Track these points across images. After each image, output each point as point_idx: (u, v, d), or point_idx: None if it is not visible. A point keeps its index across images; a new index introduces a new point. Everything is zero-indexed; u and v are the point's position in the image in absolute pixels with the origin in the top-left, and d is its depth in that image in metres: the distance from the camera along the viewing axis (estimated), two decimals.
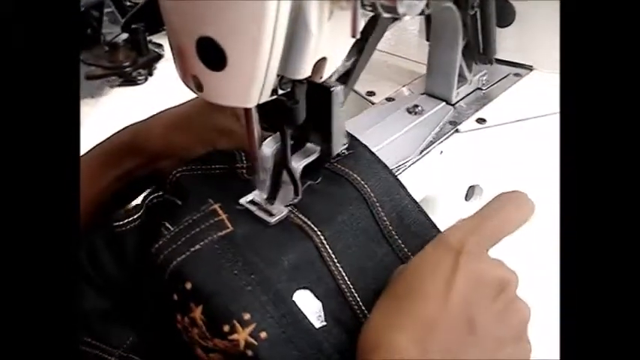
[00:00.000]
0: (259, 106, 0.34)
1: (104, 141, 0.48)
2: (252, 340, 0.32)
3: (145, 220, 0.40)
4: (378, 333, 0.32)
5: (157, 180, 0.48)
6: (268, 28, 0.28)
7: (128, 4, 1.08)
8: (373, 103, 0.71)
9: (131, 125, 0.49)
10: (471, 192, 0.68)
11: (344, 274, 0.37)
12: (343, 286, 0.36)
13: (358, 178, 0.40)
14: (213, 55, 0.30)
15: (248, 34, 0.29)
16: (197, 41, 0.30)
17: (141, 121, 0.49)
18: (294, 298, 0.35)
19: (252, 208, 0.38)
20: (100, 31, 1.01)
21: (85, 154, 0.47)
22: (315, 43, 0.31)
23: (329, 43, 0.32)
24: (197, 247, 0.35)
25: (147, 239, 0.38)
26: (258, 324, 0.32)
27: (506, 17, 0.73)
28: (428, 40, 0.68)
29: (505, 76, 0.75)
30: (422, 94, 0.70)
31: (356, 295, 0.36)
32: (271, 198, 0.39)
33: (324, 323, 0.35)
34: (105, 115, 0.85)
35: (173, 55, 0.34)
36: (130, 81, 0.93)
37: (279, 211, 0.38)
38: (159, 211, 0.40)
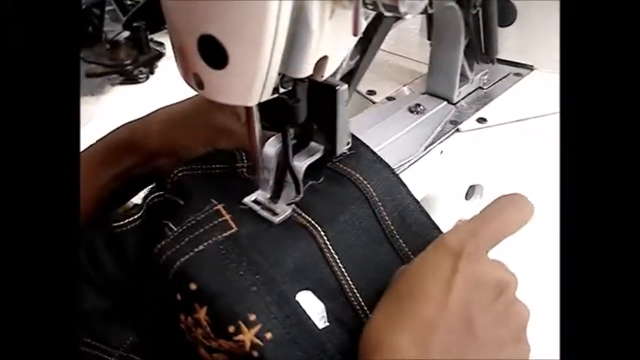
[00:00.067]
0: (260, 105, 0.34)
1: (101, 139, 0.48)
2: (257, 340, 0.32)
3: (145, 219, 0.40)
4: (380, 333, 0.32)
5: (156, 178, 0.47)
6: (270, 26, 0.28)
7: (129, 2, 1.08)
8: (374, 102, 0.71)
9: (129, 123, 0.48)
10: (471, 191, 0.68)
11: (346, 274, 0.37)
12: (345, 286, 0.36)
13: (360, 178, 0.40)
14: (214, 53, 0.30)
15: (250, 33, 0.29)
16: (198, 39, 0.30)
17: (139, 119, 0.48)
18: (297, 299, 0.35)
19: (256, 207, 0.38)
20: (101, 29, 1.00)
21: (82, 152, 0.46)
22: (317, 42, 0.31)
23: (330, 42, 0.32)
24: (201, 247, 0.35)
25: (148, 239, 0.38)
26: (263, 325, 0.32)
27: (507, 17, 0.73)
28: (429, 39, 0.68)
29: (506, 76, 0.75)
30: (423, 93, 0.70)
31: (358, 295, 0.36)
32: (275, 197, 0.39)
33: (327, 324, 0.35)
34: (106, 114, 0.85)
35: (174, 53, 0.34)
36: (131, 79, 0.93)
37: (283, 210, 0.38)
38: (160, 211, 0.40)
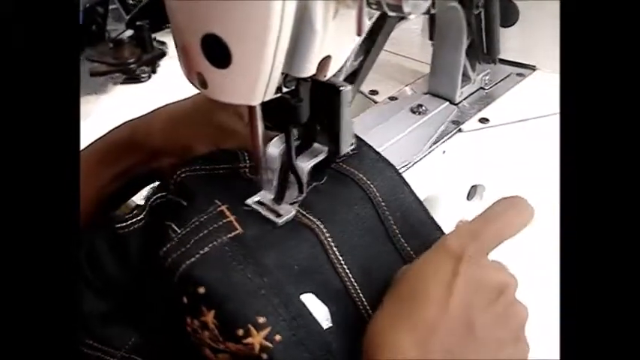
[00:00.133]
0: (263, 105, 0.34)
1: (102, 137, 0.48)
2: (267, 343, 0.32)
3: (148, 220, 0.40)
4: (382, 334, 0.33)
5: (156, 178, 0.47)
6: (274, 26, 0.28)
7: (131, 1, 1.08)
8: (376, 102, 0.71)
9: (130, 121, 0.48)
10: (473, 191, 0.68)
11: (350, 275, 0.37)
12: (349, 287, 0.37)
13: (364, 178, 0.40)
14: (218, 52, 0.30)
15: (253, 32, 0.29)
16: (202, 38, 0.30)
17: (140, 117, 0.48)
18: (302, 300, 0.35)
19: (260, 208, 0.38)
20: (104, 27, 1.00)
21: (82, 150, 0.45)
22: (320, 42, 0.31)
23: (334, 42, 0.32)
24: (206, 249, 0.34)
25: (151, 240, 0.38)
26: (272, 327, 0.32)
27: (509, 17, 0.73)
28: (431, 39, 0.68)
29: (508, 76, 0.75)
30: (425, 93, 0.70)
31: (361, 295, 0.37)
32: (279, 199, 0.39)
33: (332, 324, 0.35)
34: (108, 113, 0.85)
35: (178, 52, 0.34)
36: (133, 78, 0.93)
37: (287, 211, 0.38)
38: (163, 212, 0.40)
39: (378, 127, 0.63)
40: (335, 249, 0.37)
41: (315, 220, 0.37)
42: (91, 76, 0.90)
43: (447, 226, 0.39)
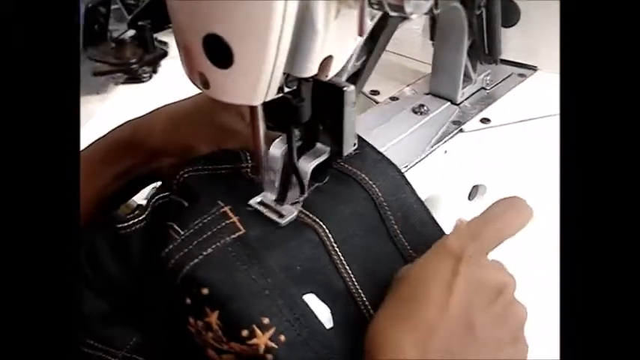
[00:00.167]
0: (264, 105, 0.34)
1: (103, 137, 0.47)
2: (272, 344, 0.32)
3: (150, 221, 0.40)
4: (383, 334, 0.33)
5: (157, 178, 0.47)
6: (276, 26, 0.28)
7: (133, 2, 1.08)
8: (377, 102, 0.71)
9: (131, 121, 0.48)
10: (474, 192, 0.68)
11: (352, 275, 0.37)
12: (351, 287, 0.37)
13: (366, 178, 0.40)
14: (219, 52, 0.30)
15: (255, 32, 0.29)
16: (204, 38, 0.30)
17: (141, 117, 0.48)
18: (305, 300, 0.35)
19: (262, 209, 0.38)
20: (106, 27, 1.01)
21: (82, 150, 0.45)
22: (322, 42, 0.31)
23: (335, 42, 0.32)
24: (209, 250, 0.34)
25: (153, 241, 0.38)
26: (277, 328, 0.32)
27: (511, 17, 0.73)
28: (432, 39, 0.68)
29: (509, 76, 0.75)
30: (426, 93, 0.70)
31: (363, 295, 0.37)
32: (281, 199, 0.39)
33: (334, 324, 0.35)
34: (109, 112, 0.85)
35: (179, 52, 0.34)
36: (134, 78, 0.93)
37: (289, 211, 0.38)
38: (165, 213, 0.40)
39: (380, 127, 0.63)
40: (337, 249, 0.37)
41: (317, 220, 0.38)
42: (93, 75, 0.90)
43: (449, 226, 0.39)
